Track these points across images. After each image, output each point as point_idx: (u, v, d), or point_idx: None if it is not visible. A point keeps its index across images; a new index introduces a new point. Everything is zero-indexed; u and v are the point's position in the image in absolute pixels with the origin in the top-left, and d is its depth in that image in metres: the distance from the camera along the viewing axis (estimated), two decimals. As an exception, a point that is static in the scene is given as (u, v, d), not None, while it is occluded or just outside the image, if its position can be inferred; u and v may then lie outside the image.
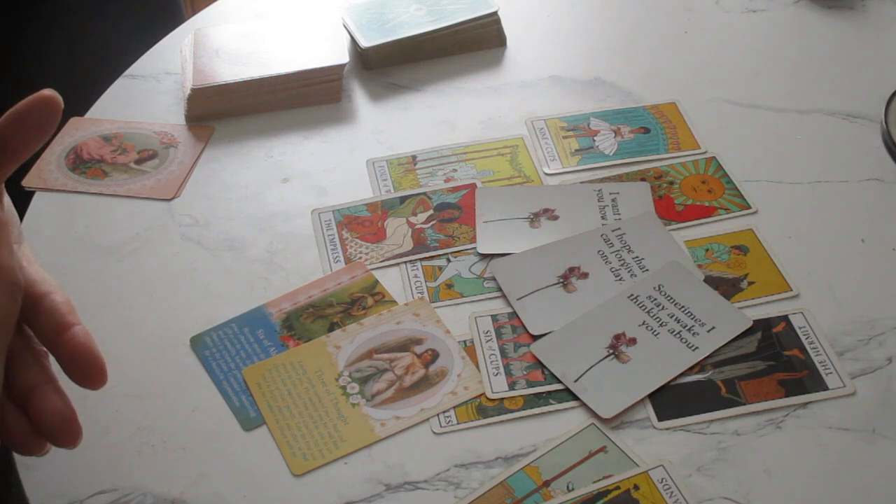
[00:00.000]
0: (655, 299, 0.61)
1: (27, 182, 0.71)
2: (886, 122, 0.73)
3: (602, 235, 0.66)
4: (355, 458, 0.54)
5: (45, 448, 0.46)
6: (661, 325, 0.60)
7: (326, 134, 0.76)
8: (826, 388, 0.56)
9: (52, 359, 0.47)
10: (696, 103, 0.77)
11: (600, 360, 0.58)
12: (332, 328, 0.61)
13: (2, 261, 0.42)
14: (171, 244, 0.67)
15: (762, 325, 0.60)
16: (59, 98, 0.42)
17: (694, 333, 0.59)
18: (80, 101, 0.77)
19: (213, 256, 0.66)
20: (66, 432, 0.45)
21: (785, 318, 0.60)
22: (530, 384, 0.57)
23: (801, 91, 0.78)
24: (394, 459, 0.54)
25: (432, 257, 0.65)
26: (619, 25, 0.87)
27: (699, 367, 0.58)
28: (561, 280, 0.63)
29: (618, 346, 0.59)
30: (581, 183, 0.70)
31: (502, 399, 0.57)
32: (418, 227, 0.67)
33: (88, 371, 0.45)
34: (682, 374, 0.57)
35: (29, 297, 0.45)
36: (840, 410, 0.56)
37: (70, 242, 0.67)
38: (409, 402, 0.57)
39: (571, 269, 0.64)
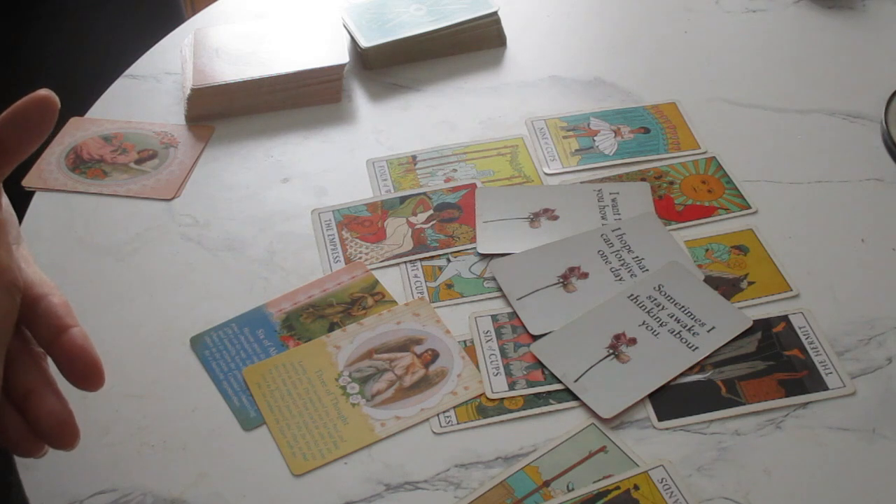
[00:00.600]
0: (655, 299, 0.61)
1: (27, 182, 0.71)
2: (886, 122, 0.73)
3: (602, 235, 0.66)
4: (355, 458, 0.54)
5: (43, 450, 0.46)
6: (661, 325, 0.60)
7: (326, 134, 0.76)
8: (826, 388, 0.56)
9: (50, 361, 0.47)
10: (696, 103, 0.77)
11: (600, 360, 0.58)
12: (332, 328, 0.61)
13: (1, 261, 0.42)
14: (171, 244, 0.67)
15: (762, 325, 0.60)
16: (56, 98, 0.42)
17: (694, 333, 0.59)
18: (80, 101, 0.77)
19: (213, 256, 0.66)
20: (63, 434, 0.45)
21: (785, 318, 0.60)
22: (530, 384, 0.57)
23: (801, 91, 0.78)
24: (394, 459, 0.54)
25: (432, 257, 0.65)
26: (619, 25, 0.87)
27: (699, 367, 0.58)
28: (561, 280, 0.63)
29: (618, 346, 0.59)
30: (581, 183, 0.70)
31: (502, 399, 0.57)
32: (418, 227, 0.67)
33: (85, 373, 0.45)
34: (682, 374, 0.57)
35: (27, 298, 0.45)
36: (840, 410, 0.56)
37: (70, 242, 0.67)
38: (409, 402, 0.57)
39: (571, 269, 0.64)
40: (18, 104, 0.42)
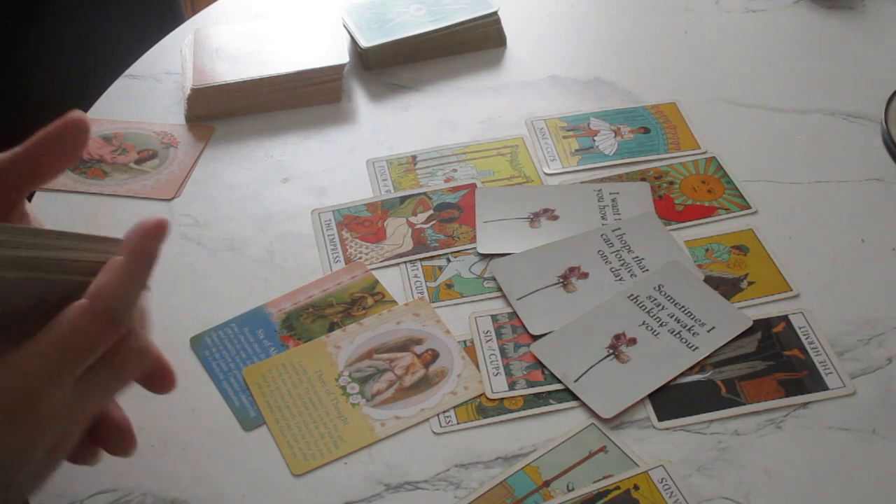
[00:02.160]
0: (655, 299, 0.61)
1: (27, 182, 0.71)
2: (886, 122, 0.73)
3: (602, 235, 0.66)
4: (355, 458, 0.54)
5: (98, 457, 0.46)
6: (661, 325, 0.60)
7: (326, 134, 0.76)
8: (826, 388, 0.56)
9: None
10: (696, 103, 0.77)
11: (600, 360, 0.58)
12: (332, 328, 0.61)
13: None
14: (171, 244, 0.66)
15: (762, 325, 0.60)
16: (87, 119, 0.42)
17: (694, 333, 0.59)
18: (80, 101, 0.77)
19: (213, 256, 0.66)
20: (124, 441, 0.45)
21: (785, 318, 0.60)
22: (530, 384, 0.57)
23: (801, 91, 0.78)
24: (394, 459, 0.54)
25: (432, 257, 0.65)
26: (619, 25, 0.87)
27: (699, 367, 0.58)
28: (561, 280, 0.63)
29: (618, 346, 0.59)
30: (581, 183, 0.70)
31: (502, 399, 0.57)
32: (418, 227, 0.67)
33: (163, 380, 0.46)
34: (682, 374, 0.57)
35: None
36: (840, 410, 0.56)
37: (70, 242, 0.67)
38: (409, 402, 0.57)
39: (571, 269, 0.64)
40: (53, 126, 0.41)
